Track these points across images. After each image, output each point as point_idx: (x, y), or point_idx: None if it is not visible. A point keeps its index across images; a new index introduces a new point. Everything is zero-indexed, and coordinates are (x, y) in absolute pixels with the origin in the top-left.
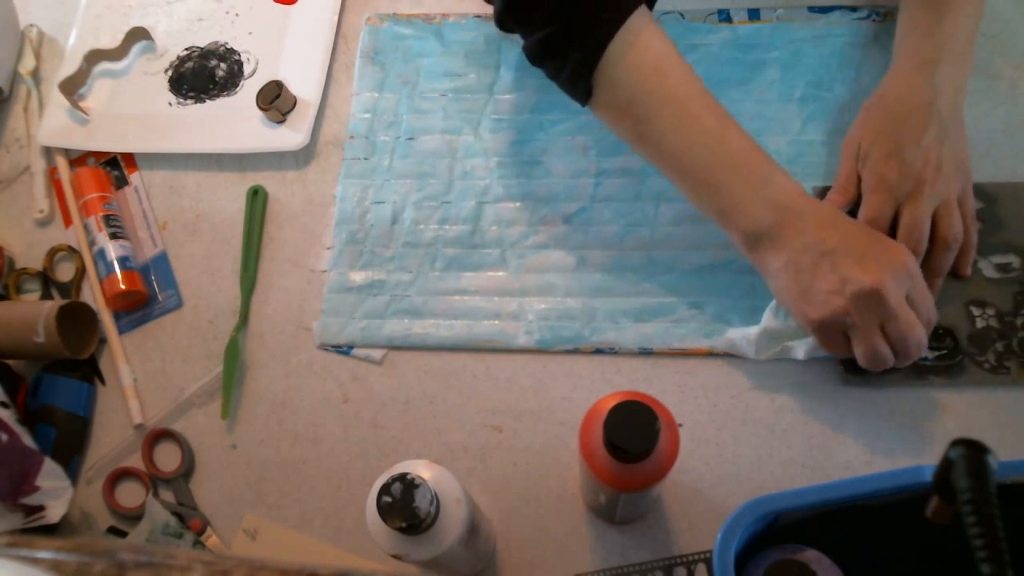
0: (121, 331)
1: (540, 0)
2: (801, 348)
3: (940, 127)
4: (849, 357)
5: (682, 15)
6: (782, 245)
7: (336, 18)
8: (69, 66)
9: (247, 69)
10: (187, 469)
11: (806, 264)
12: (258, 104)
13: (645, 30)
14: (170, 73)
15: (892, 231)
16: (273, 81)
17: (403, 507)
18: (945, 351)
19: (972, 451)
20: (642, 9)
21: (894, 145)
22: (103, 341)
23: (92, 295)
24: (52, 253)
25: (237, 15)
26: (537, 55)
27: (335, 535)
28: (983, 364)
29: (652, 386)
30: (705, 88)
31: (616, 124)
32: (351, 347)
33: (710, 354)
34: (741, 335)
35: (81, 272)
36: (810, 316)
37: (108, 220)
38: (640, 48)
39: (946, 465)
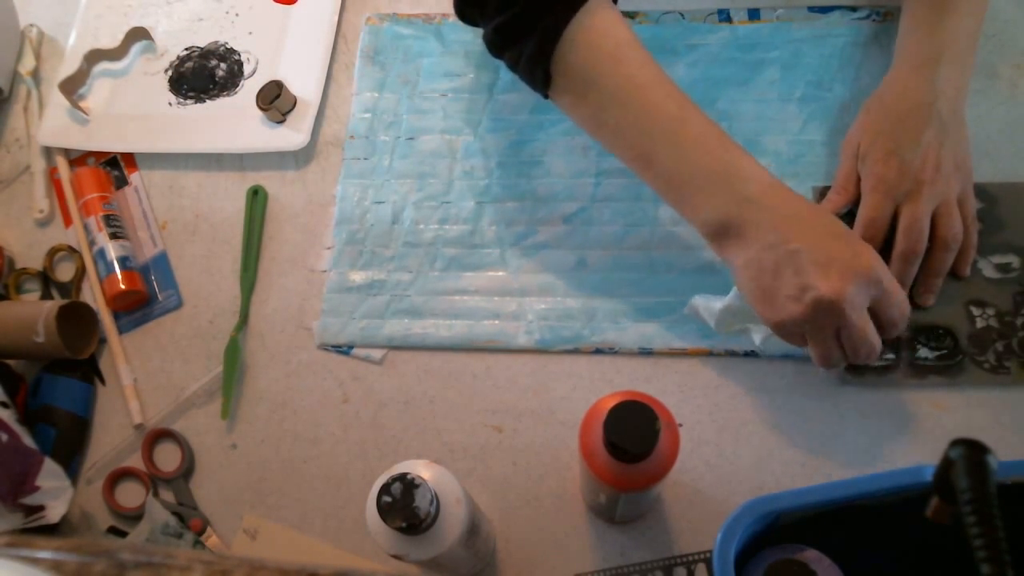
0: (121, 331)
1: None
2: (758, 335)
3: (940, 127)
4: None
5: (682, 15)
6: (744, 241)
7: (336, 18)
8: (69, 66)
9: (247, 69)
10: (187, 469)
11: (768, 264)
12: (258, 104)
13: (602, 14)
14: (170, 73)
15: (891, 230)
16: (273, 81)
17: (403, 507)
18: (945, 351)
19: (972, 451)
20: None
21: (893, 145)
22: (103, 341)
23: (92, 295)
24: (52, 253)
25: (237, 15)
26: (495, 44)
27: (335, 535)
28: (983, 364)
29: (652, 386)
30: (665, 74)
31: (575, 111)
32: (351, 347)
33: (710, 354)
34: (705, 305)
35: (81, 272)
36: (767, 317)
37: (108, 220)
38: (597, 33)
39: (946, 465)
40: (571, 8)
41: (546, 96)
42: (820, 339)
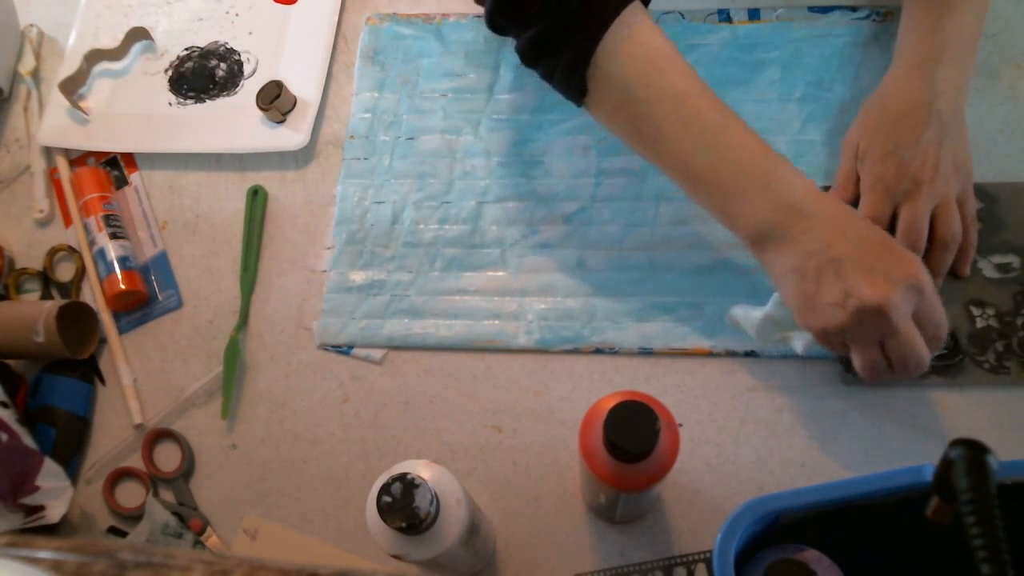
0: (121, 331)
1: None
2: (800, 342)
3: (939, 126)
4: (851, 358)
5: (682, 15)
6: (787, 248)
7: (336, 18)
8: (69, 66)
9: (247, 69)
10: (187, 469)
11: (811, 271)
12: (258, 104)
13: (639, 24)
14: (170, 73)
15: (891, 230)
16: (273, 81)
17: (403, 507)
18: (945, 351)
19: (972, 451)
20: (636, 3)
21: (892, 144)
22: (103, 341)
23: (92, 295)
24: (52, 253)
25: (237, 15)
26: (529, 55)
27: (335, 535)
28: (983, 364)
29: (652, 386)
30: (703, 83)
31: (612, 122)
32: (351, 347)
33: (710, 354)
34: (745, 315)
35: (81, 272)
36: (810, 325)
37: (108, 220)
38: (635, 42)
39: (946, 465)
40: (607, 18)
41: (579, 105)
42: (864, 347)
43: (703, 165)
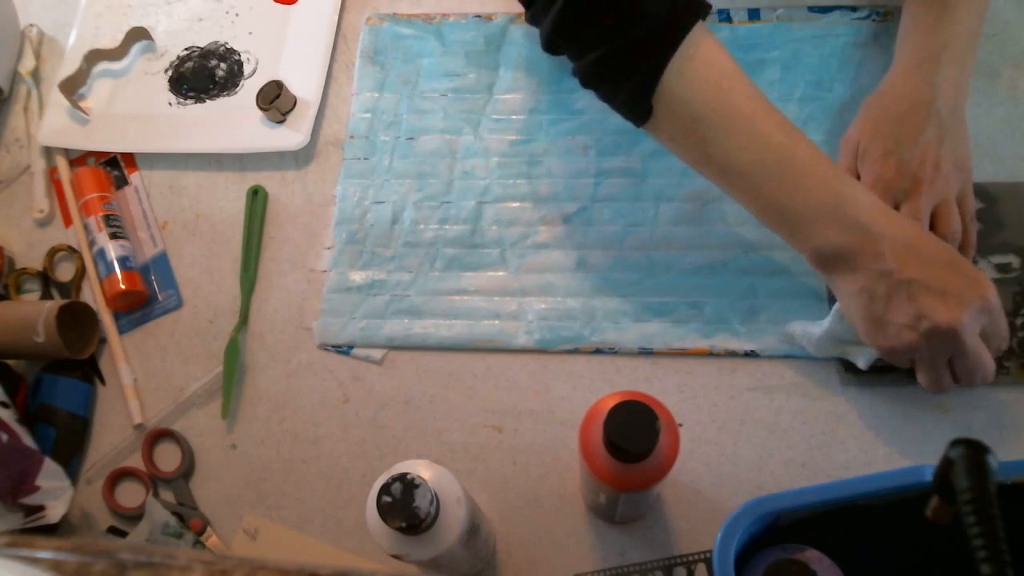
0: (121, 331)
1: (594, 18)
2: (863, 358)
3: (939, 126)
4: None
5: None
6: (856, 268)
7: (336, 18)
8: (69, 66)
9: (247, 69)
10: (187, 469)
11: (881, 292)
12: (258, 104)
13: (706, 45)
14: (170, 73)
15: None
16: (273, 81)
17: (403, 507)
18: None
19: (972, 451)
20: (701, 24)
21: (892, 144)
22: (103, 341)
23: (92, 295)
24: (52, 253)
25: (237, 15)
26: (591, 76)
27: (335, 535)
28: None
29: (652, 386)
30: (770, 104)
31: (679, 144)
32: (351, 347)
33: (710, 354)
34: (803, 330)
35: (81, 272)
36: (878, 344)
37: (108, 220)
38: (701, 63)
39: (946, 465)
40: (675, 40)
41: (640, 127)
42: (932, 366)
43: (771, 188)
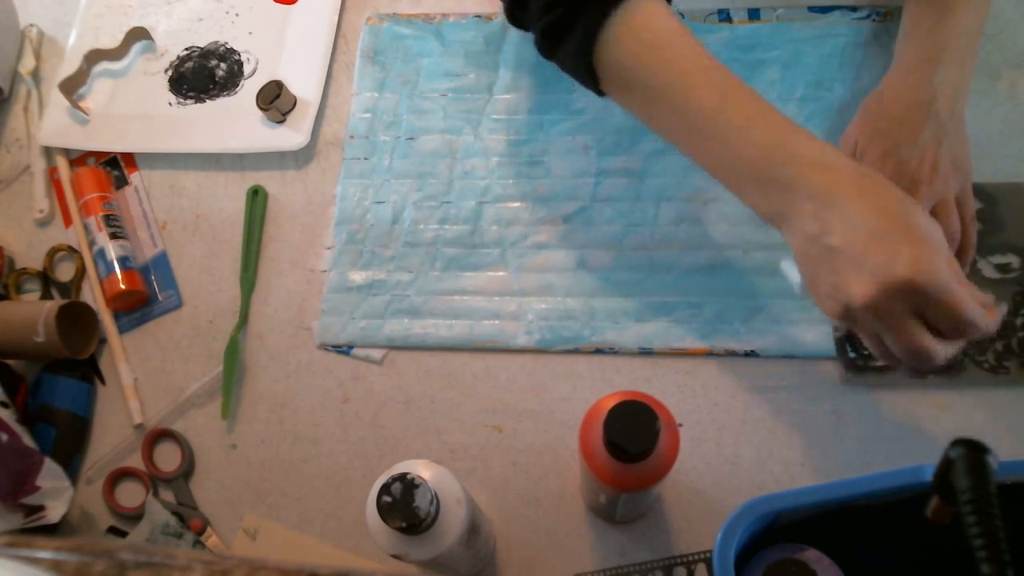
0: (121, 331)
1: None
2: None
3: (937, 126)
4: (851, 358)
5: (682, 15)
6: (790, 230)
7: (336, 18)
8: (69, 66)
9: (247, 69)
10: (187, 469)
11: (811, 256)
12: (258, 104)
13: (645, 8)
14: (170, 73)
15: None
16: (273, 81)
17: (403, 507)
18: None
19: (972, 451)
20: None
21: (890, 144)
22: (103, 341)
23: (92, 295)
24: (52, 253)
25: (237, 15)
26: (544, 48)
27: (335, 535)
28: (983, 364)
29: (652, 386)
30: (709, 61)
31: (627, 107)
32: (351, 347)
33: (710, 354)
34: (789, 270)
35: (81, 272)
36: (818, 304)
37: (108, 220)
38: (639, 26)
39: (946, 465)
40: (610, 3)
41: (598, 93)
42: (865, 338)
43: (706, 152)
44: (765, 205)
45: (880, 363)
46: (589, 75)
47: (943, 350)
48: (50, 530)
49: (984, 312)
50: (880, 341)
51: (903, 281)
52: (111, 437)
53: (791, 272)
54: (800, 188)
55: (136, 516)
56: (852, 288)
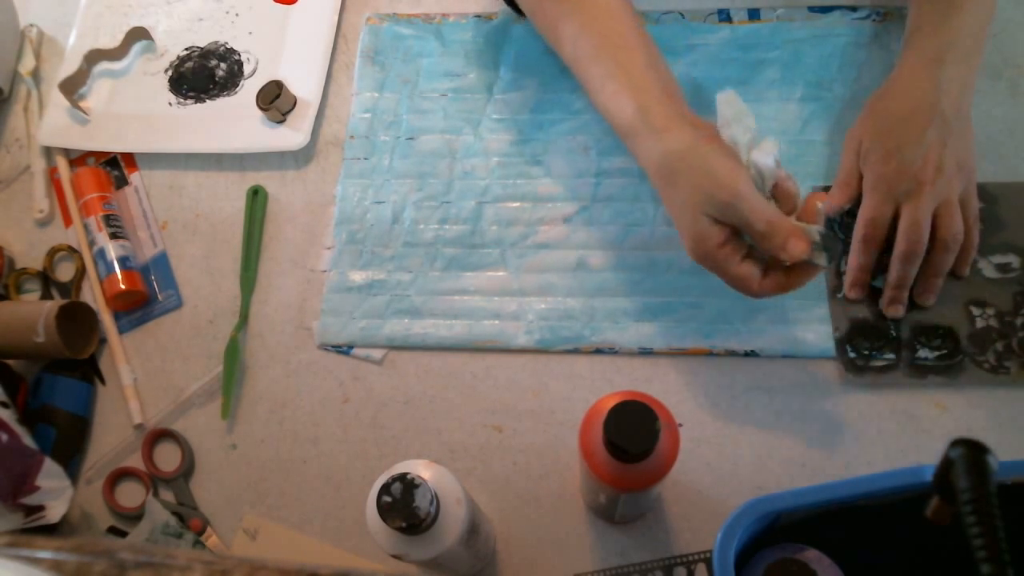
0: (121, 331)
1: None
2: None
3: (942, 126)
4: (850, 357)
5: (682, 15)
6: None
7: (336, 18)
8: (69, 66)
9: (247, 69)
10: (187, 469)
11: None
12: (258, 104)
13: None
14: (170, 73)
15: (892, 229)
16: (273, 81)
17: (403, 507)
18: (945, 351)
19: (972, 451)
20: None
21: (895, 144)
22: (103, 341)
23: (92, 295)
24: (52, 253)
25: (237, 15)
26: None
27: (335, 535)
28: (983, 364)
29: (652, 386)
30: (601, 8)
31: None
32: (351, 347)
33: (710, 354)
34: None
35: (81, 272)
36: None
37: (108, 220)
38: None
39: (946, 465)
40: None
41: (519, 15)
42: None
43: (585, 88)
44: (634, 153)
45: (880, 363)
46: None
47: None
48: (50, 530)
49: (763, 286)
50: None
51: (698, 261)
52: (111, 437)
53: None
54: (639, 154)
55: (136, 516)
56: (686, 247)
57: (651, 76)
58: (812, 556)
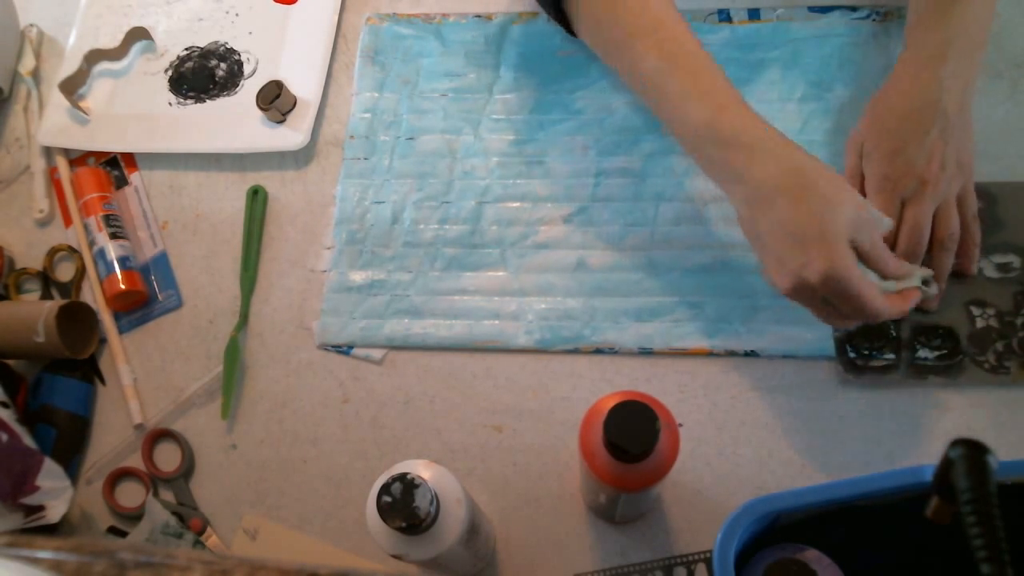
0: (121, 331)
1: None
2: None
3: (944, 125)
4: (850, 358)
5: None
6: (733, 199)
7: (336, 18)
8: (69, 66)
9: (247, 69)
10: (187, 469)
11: (745, 229)
12: (258, 104)
13: None
14: (170, 73)
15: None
16: (273, 81)
17: (403, 507)
18: (945, 351)
19: (972, 451)
20: None
21: (898, 143)
22: (103, 341)
23: (92, 295)
24: (52, 253)
25: (237, 15)
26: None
27: (335, 535)
28: (983, 364)
29: (652, 386)
30: (661, 20)
31: (596, 51)
32: (351, 347)
33: (710, 354)
34: None
35: (81, 272)
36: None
37: (108, 220)
38: None
39: (946, 465)
40: None
41: (573, 35)
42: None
43: (655, 108)
44: (709, 173)
45: (880, 363)
46: (559, 12)
47: (852, 322)
48: (50, 530)
49: (886, 304)
50: (810, 309)
51: (813, 285)
52: (111, 437)
53: None
54: (732, 171)
55: (136, 516)
56: (774, 276)
57: (737, 94)
58: (812, 556)
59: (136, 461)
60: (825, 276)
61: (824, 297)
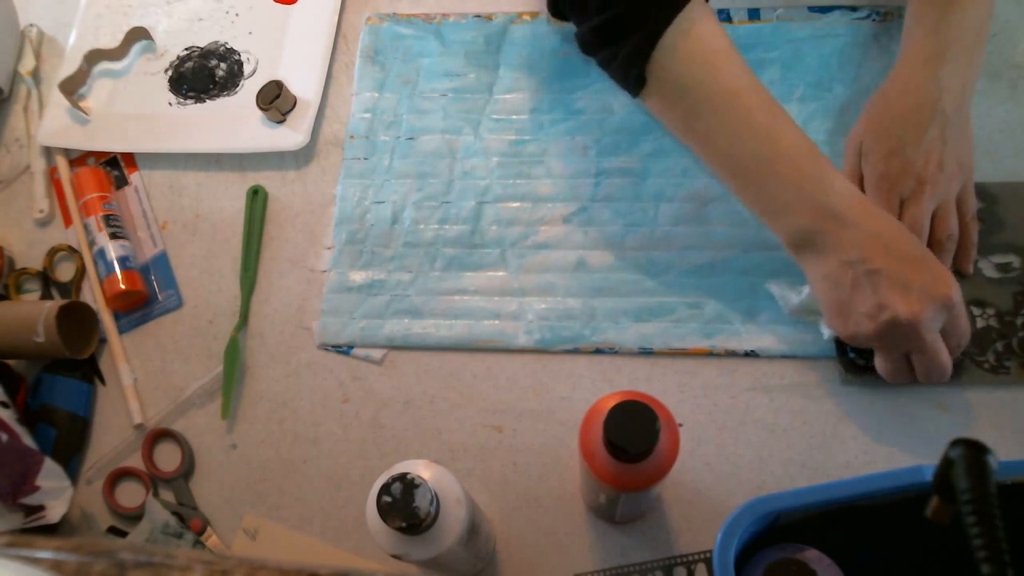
0: (121, 331)
1: None
2: (828, 330)
3: (943, 125)
4: (850, 358)
5: None
6: (826, 255)
7: (336, 18)
8: (69, 66)
9: (247, 69)
10: (187, 469)
11: (847, 279)
12: (258, 104)
13: (701, 21)
14: (170, 73)
15: None
16: (273, 81)
17: (403, 507)
18: None
19: (972, 451)
20: (700, 1)
21: (896, 143)
22: (103, 341)
23: (92, 295)
24: (52, 253)
25: (237, 15)
26: (590, 43)
27: (335, 535)
28: (983, 364)
29: (652, 386)
30: (759, 84)
31: (665, 116)
32: (351, 347)
33: (710, 354)
34: (781, 293)
35: (81, 272)
36: (839, 329)
37: (108, 220)
38: (694, 38)
39: (946, 465)
40: (671, 12)
41: (635, 96)
42: (890, 356)
43: (749, 166)
44: (804, 228)
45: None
46: (636, 80)
47: (951, 366)
48: (50, 530)
49: (969, 332)
50: (897, 360)
51: (946, 297)
52: (111, 437)
53: (781, 293)
54: (846, 216)
55: (136, 516)
56: (899, 306)
57: (821, 158)
58: (812, 556)
59: (136, 461)
60: (953, 286)
61: (939, 326)
